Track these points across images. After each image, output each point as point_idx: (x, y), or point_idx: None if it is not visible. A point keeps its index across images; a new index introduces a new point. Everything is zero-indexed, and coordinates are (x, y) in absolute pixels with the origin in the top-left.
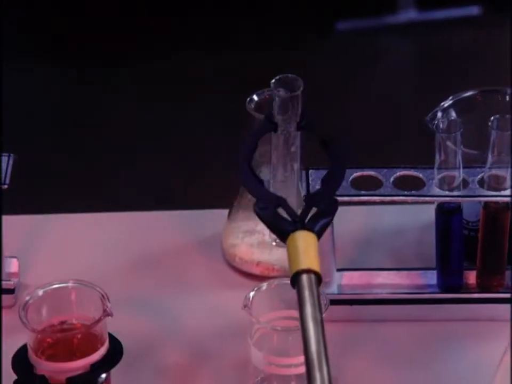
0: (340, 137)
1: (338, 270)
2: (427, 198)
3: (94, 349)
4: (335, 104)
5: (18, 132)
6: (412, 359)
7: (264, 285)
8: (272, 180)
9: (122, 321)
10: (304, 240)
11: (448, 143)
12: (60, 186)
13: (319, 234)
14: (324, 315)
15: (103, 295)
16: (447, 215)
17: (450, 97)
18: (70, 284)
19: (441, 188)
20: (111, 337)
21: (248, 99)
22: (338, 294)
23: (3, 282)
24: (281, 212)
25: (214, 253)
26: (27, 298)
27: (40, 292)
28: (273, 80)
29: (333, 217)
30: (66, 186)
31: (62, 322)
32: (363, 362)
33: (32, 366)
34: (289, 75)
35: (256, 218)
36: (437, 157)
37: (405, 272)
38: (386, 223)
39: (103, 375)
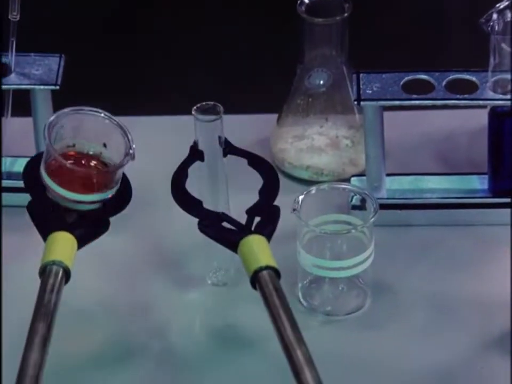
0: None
1: (388, 174)
2: (480, 102)
3: (109, 187)
4: (386, 6)
5: (68, 32)
6: (460, 263)
7: (314, 189)
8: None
9: (165, 223)
10: (257, 241)
11: (503, 45)
12: (110, 89)
13: (268, 238)
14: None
15: (128, 138)
16: (500, 118)
17: None
18: (100, 115)
19: (495, 91)
20: (124, 179)
21: (299, 1)
22: (387, 198)
23: None
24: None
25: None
26: (53, 117)
27: (67, 114)
28: (194, 108)
29: (277, 224)
30: (117, 91)
31: (74, 145)
32: (411, 266)
33: (45, 189)
34: (210, 102)
35: (306, 123)
36: (491, 59)
37: (456, 177)
38: (438, 127)
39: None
